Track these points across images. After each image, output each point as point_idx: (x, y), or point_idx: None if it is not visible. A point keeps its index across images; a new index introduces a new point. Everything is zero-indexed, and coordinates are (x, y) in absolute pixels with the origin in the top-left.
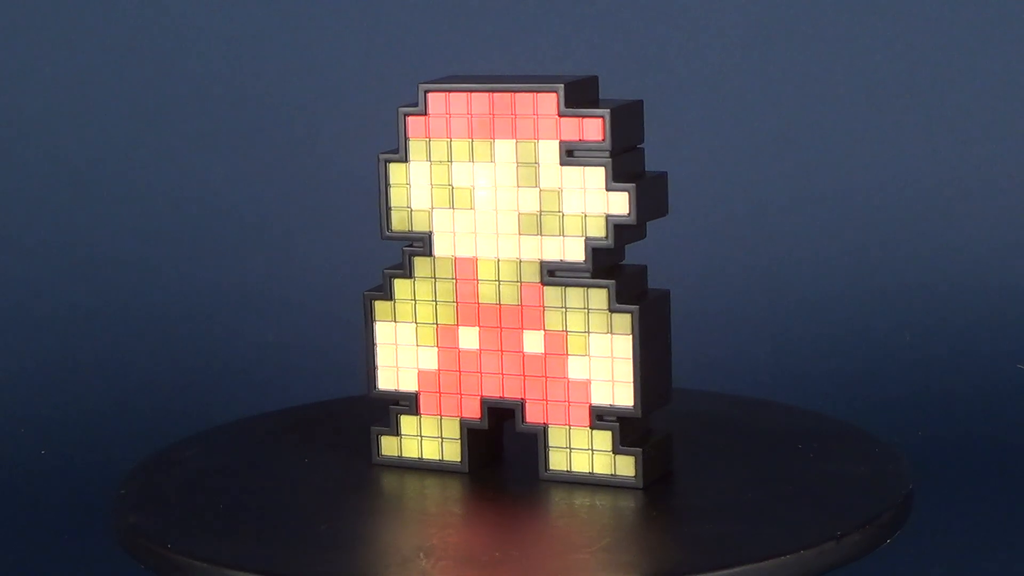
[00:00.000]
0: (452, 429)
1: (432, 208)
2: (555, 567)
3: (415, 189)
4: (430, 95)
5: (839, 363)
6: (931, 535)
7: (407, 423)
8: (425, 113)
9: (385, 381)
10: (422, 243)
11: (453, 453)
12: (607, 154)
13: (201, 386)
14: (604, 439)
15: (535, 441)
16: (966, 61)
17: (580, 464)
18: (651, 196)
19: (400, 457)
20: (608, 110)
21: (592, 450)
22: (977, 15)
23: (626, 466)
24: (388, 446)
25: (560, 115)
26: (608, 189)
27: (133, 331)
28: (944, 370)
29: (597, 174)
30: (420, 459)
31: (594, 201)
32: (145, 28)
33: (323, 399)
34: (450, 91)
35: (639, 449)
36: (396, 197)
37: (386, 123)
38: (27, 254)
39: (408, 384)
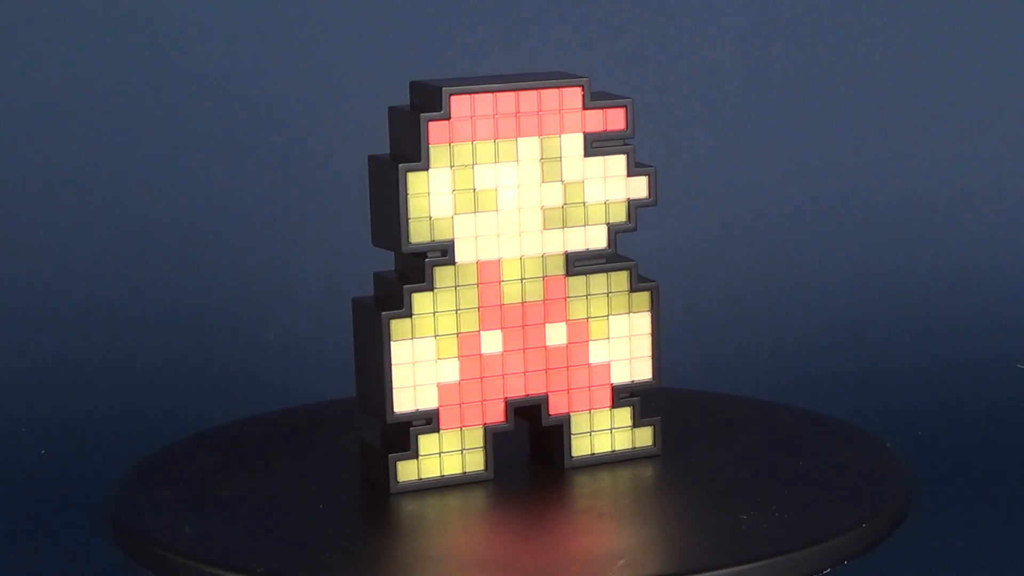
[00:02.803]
0: (474, 438)
1: (454, 214)
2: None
3: (436, 197)
4: (453, 98)
5: (839, 363)
6: (930, 535)
7: (426, 443)
8: (448, 117)
9: (402, 403)
10: (444, 252)
11: (476, 463)
12: (623, 142)
13: (201, 386)
14: (624, 416)
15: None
16: (966, 62)
17: (601, 445)
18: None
19: (419, 479)
20: (630, 99)
21: (612, 429)
22: (977, 15)
23: (645, 437)
24: (406, 471)
25: (585, 108)
26: (629, 174)
27: (133, 331)
28: (944, 370)
29: (618, 162)
30: (441, 476)
31: (616, 187)
32: (143, 27)
33: (323, 399)
34: (475, 92)
35: (657, 418)
36: (416, 207)
37: (385, 122)
38: (26, 254)
39: (427, 401)
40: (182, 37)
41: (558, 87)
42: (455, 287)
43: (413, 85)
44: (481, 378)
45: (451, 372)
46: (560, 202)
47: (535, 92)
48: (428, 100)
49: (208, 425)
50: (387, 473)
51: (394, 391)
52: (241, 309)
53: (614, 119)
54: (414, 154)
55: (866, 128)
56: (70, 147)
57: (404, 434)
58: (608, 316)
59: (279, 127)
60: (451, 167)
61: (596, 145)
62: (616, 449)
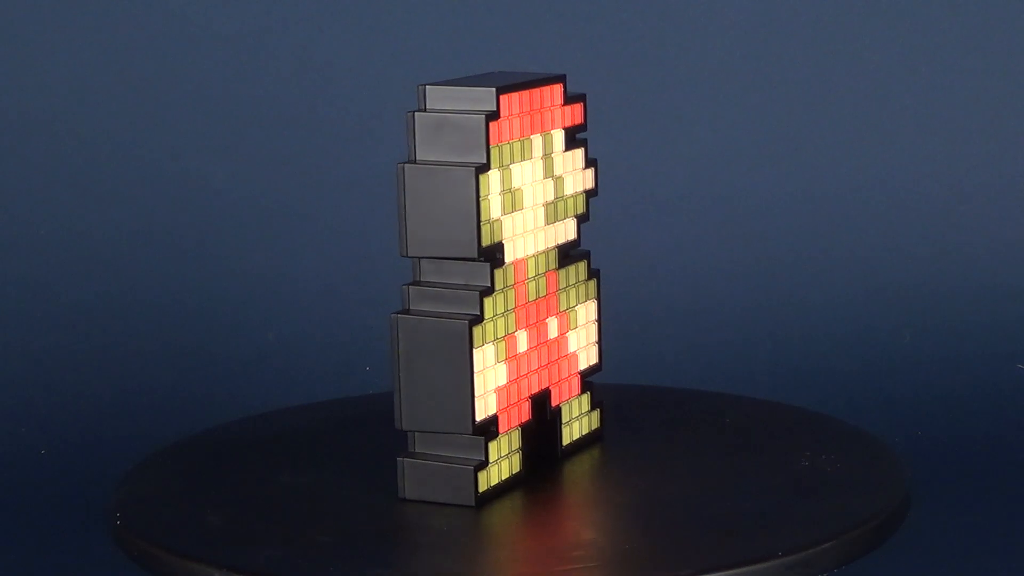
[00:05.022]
0: (515, 439)
1: (502, 215)
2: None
3: (493, 199)
4: (502, 97)
5: (838, 363)
6: (930, 535)
7: (493, 449)
8: (498, 117)
9: (480, 411)
10: (497, 254)
11: (515, 463)
12: (574, 135)
13: (201, 386)
14: (586, 401)
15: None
16: (966, 61)
17: (576, 431)
18: None
19: (489, 488)
20: (584, 94)
21: (581, 415)
22: (977, 15)
23: (595, 420)
24: (483, 480)
25: (564, 104)
26: (585, 167)
27: (133, 331)
28: (944, 370)
29: (579, 155)
30: (500, 482)
31: (579, 180)
32: (149, 25)
33: (323, 399)
34: (511, 92)
35: (600, 399)
36: (484, 210)
37: (387, 124)
38: (27, 253)
39: (491, 407)
40: (182, 35)
41: (550, 84)
42: (504, 289)
43: (430, 89)
44: (518, 378)
45: (502, 376)
46: (553, 196)
47: (538, 90)
48: (473, 101)
49: (209, 424)
50: (466, 487)
51: (475, 399)
52: (241, 309)
53: (577, 114)
54: (469, 156)
55: (867, 128)
56: (73, 146)
57: (458, 446)
58: (577, 306)
59: (283, 127)
60: (500, 168)
61: (570, 140)
62: (583, 434)
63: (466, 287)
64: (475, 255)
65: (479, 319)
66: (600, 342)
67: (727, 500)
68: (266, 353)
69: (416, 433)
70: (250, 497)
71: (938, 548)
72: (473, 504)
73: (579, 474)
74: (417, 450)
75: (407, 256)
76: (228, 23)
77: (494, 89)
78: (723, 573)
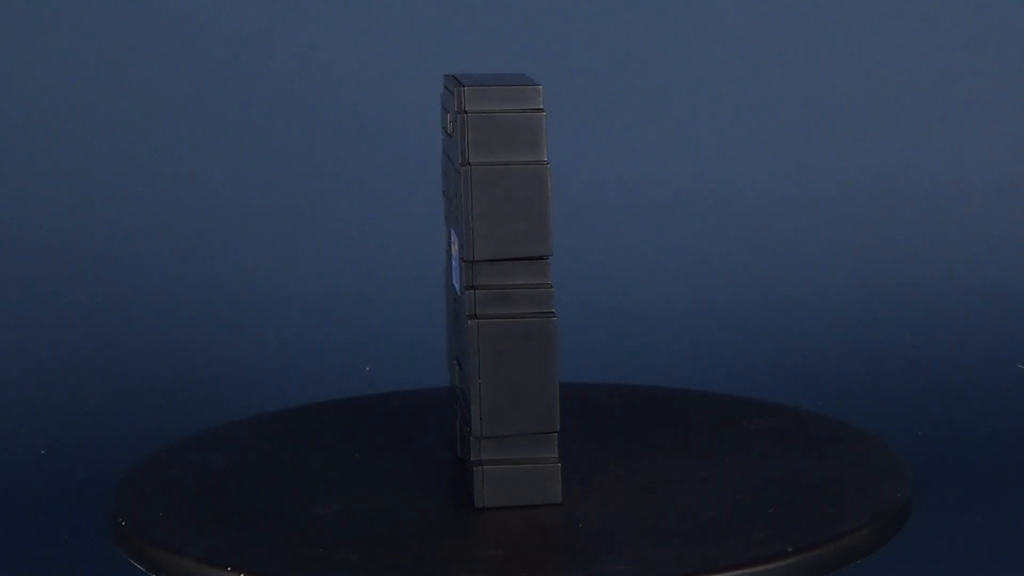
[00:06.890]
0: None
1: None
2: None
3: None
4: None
5: (838, 362)
6: (931, 536)
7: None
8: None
9: None
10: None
11: None
12: None
13: (201, 386)
14: None
15: None
16: (966, 60)
17: None
18: None
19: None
20: None
21: None
22: (977, 15)
23: None
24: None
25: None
26: None
27: (133, 331)
28: (945, 370)
29: None
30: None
31: None
32: (149, 25)
33: (323, 399)
34: (540, 88)
35: None
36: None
37: (387, 121)
38: (27, 253)
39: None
40: (182, 35)
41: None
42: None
43: (468, 90)
44: None
45: None
46: None
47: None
48: (518, 100)
49: (208, 425)
50: (553, 486)
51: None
52: (241, 309)
53: None
54: (530, 155)
55: (867, 126)
56: (71, 145)
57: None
58: None
59: (283, 125)
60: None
61: None
62: None
63: (539, 286)
64: (549, 252)
65: (554, 316)
66: None
67: (725, 500)
68: (266, 353)
69: (483, 440)
70: (252, 497)
71: (939, 548)
72: (560, 501)
73: (589, 468)
74: (485, 457)
75: (473, 260)
76: (229, 22)
77: (541, 87)
78: (722, 574)
